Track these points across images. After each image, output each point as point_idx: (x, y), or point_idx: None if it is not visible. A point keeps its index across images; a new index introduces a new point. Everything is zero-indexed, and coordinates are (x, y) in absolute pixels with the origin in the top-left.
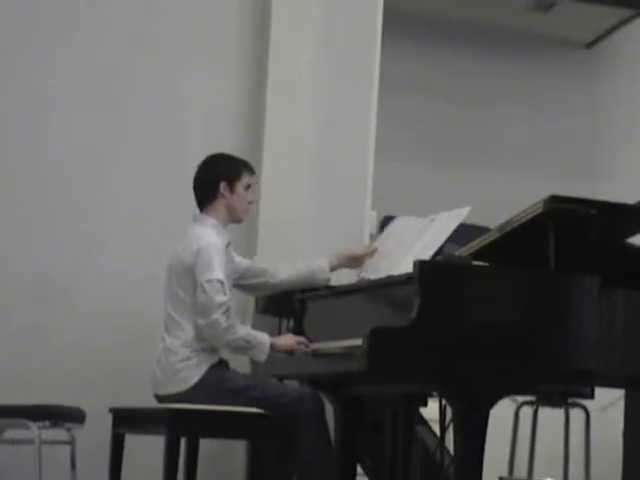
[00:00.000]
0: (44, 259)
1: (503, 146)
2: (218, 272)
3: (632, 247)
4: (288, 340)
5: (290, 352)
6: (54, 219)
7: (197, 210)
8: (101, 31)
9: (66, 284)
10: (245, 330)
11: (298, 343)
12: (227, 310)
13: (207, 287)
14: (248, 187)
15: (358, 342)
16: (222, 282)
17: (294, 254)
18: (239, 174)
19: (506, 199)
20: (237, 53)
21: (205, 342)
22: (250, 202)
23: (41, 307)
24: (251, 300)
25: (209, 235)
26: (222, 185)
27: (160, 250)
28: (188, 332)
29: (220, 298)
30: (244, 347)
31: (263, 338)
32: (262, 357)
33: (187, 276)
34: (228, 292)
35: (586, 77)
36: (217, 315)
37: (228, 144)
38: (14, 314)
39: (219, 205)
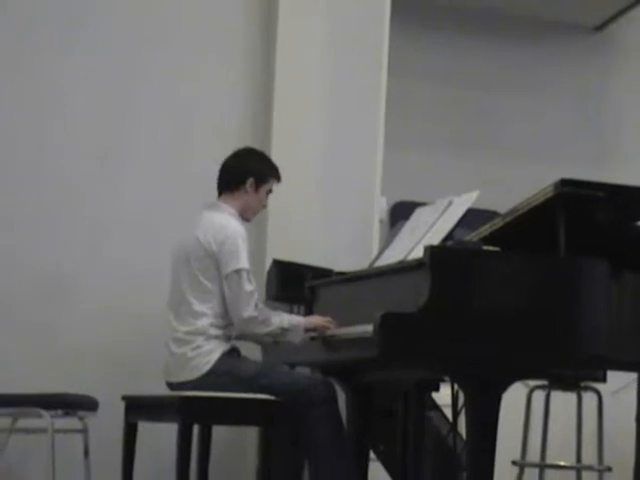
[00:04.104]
0: (53, 250)
1: (512, 132)
2: (244, 261)
3: None
4: (318, 320)
5: (316, 330)
6: (59, 214)
7: (203, 205)
8: (111, 29)
9: (76, 275)
10: (278, 319)
11: (326, 321)
12: (255, 300)
13: (235, 278)
14: (269, 192)
15: (369, 328)
16: (248, 271)
17: (304, 240)
18: (268, 177)
19: (515, 184)
20: (246, 38)
21: (221, 329)
22: (265, 206)
23: (51, 297)
24: (262, 286)
25: (233, 223)
26: (250, 181)
27: (165, 244)
28: (205, 320)
29: (248, 287)
30: (279, 334)
31: (297, 320)
32: (297, 339)
33: (212, 263)
34: (253, 281)
35: (595, 61)
36: (250, 311)
37: (237, 134)
38: (25, 304)
39: (238, 198)
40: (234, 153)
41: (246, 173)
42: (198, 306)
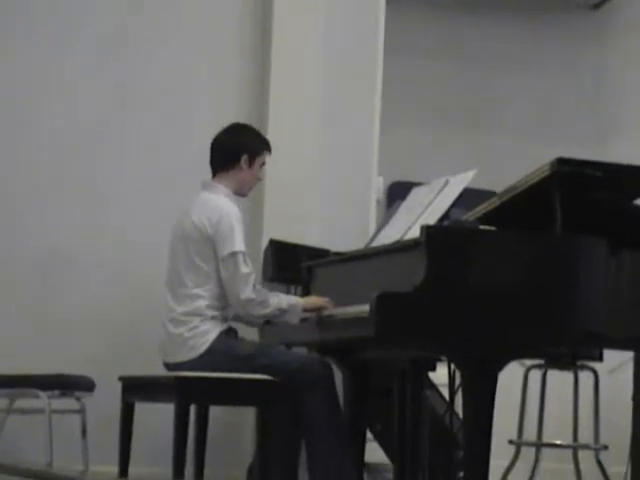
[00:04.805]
0: (49, 230)
1: (509, 110)
2: (239, 243)
3: (639, 209)
4: (317, 300)
5: (314, 310)
6: (58, 190)
7: (203, 179)
8: (111, 29)
9: (72, 255)
10: (276, 299)
11: (324, 302)
12: (253, 282)
13: (231, 261)
14: (263, 164)
15: (366, 308)
16: (244, 253)
17: (301, 220)
18: (261, 150)
19: (513, 163)
20: (241, 18)
21: (218, 311)
22: (259, 179)
23: (47, 277)
24: (259, 267)
25: (227, 204)
26: (244, 157)
27: (166, 219)
28: (201, 301)
29: (244, 269)
30: (277, 315)
31: (295, 301)
32: (295, 319)
33: (207, 246)
34: (249, 262)
35: (593, 39)
36: (247, 293)
37: (235, 113)
38: (21, 285)
39: (233, 175)
40: (224, 130)
41: (240, 150)
42: (194, 289)
